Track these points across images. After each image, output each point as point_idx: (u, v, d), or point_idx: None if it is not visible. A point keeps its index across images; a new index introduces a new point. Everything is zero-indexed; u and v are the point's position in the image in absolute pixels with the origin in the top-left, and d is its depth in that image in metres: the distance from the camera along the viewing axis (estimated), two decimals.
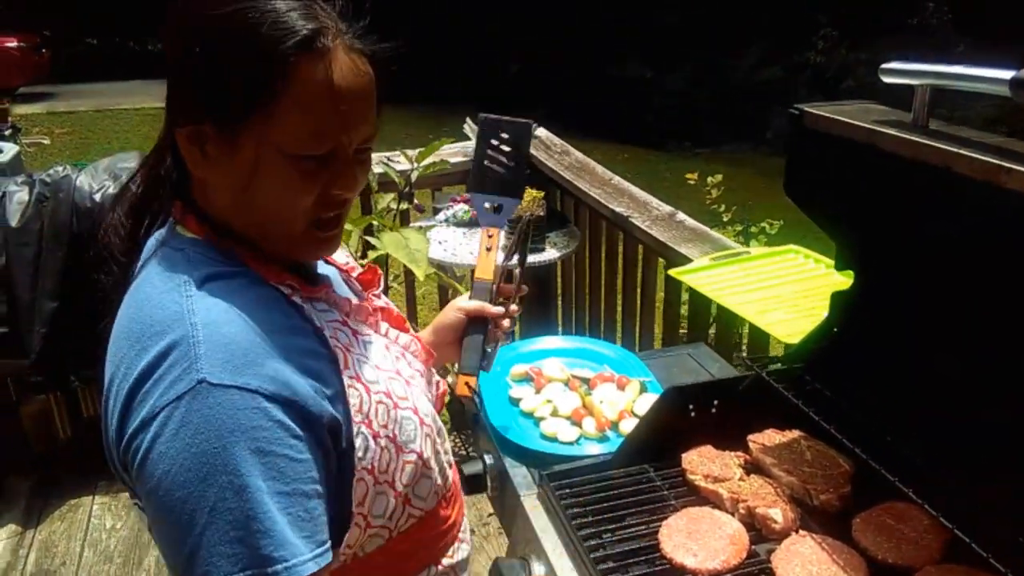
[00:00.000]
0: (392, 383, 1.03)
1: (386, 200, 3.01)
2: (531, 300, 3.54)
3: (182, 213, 0.98)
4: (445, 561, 1.17)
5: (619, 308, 3.08)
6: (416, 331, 1.29)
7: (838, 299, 1.54)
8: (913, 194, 1.17)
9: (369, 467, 0.97)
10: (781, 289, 2.10)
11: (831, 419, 1.33)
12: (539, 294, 3.50)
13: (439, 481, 1.11)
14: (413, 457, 1.04)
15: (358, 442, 0.94)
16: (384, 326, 1.13)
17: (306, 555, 0.83)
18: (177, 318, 0.86)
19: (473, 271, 1.49)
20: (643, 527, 1.36)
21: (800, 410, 1.41)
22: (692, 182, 6.05)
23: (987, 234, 1.08)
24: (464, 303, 1.42)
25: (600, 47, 13.39)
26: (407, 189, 2.85)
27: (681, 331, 2.68)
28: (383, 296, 1.23)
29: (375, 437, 0.97)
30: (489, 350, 1.39)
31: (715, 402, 1.55)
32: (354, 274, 1.21)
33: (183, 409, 0.81)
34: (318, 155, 0.90)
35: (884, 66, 1.20)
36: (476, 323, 1.38)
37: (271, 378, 0.85)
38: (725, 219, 5.29)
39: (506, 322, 1.42)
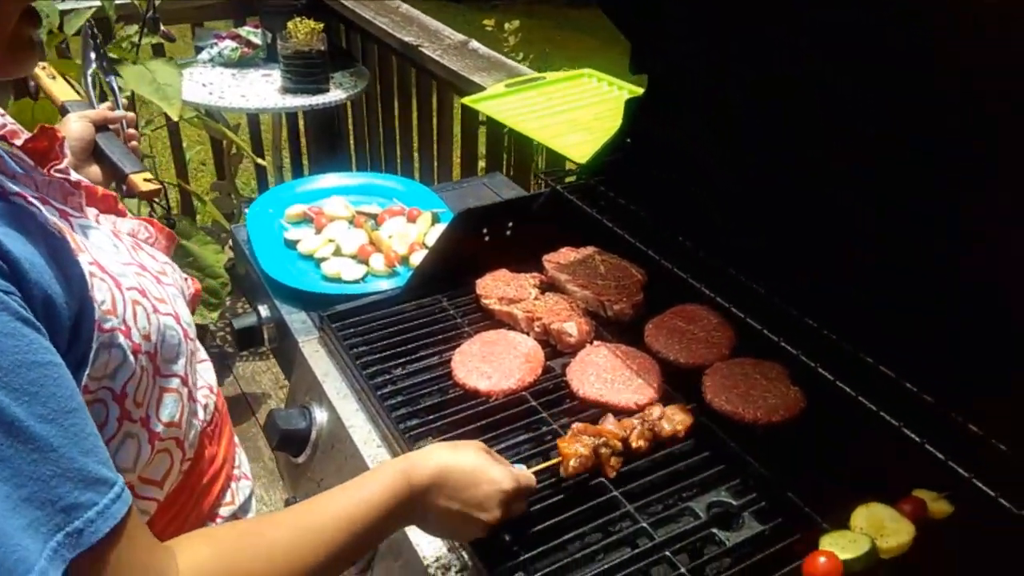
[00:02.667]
0: (142, 280, 0.75)
1: (127, 32, 2.51)
2: (318, 145, 3.22)
3: None
4: (223, 511, 0.89)
5: (415, 146, 2.88)
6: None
7: (632, 106, 1.45)
8: None
9: (118, 393, 0.68)
10: (577, 113, 2.00)
11: (624, 226, 1.27)
12: (326, 138, 3.19)
13: (201, 414, 0.85)
14: (176, 383, 0.77)
15: (108, 357, 0.66)
16: (92, 212, 0.82)
17: (116, 487, 0.59)
18: None
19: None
20: (436, 358, 1.25)
21: (596, 225, 1.33)
22: (489, 29, 5.80)
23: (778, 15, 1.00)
24: (82, 112, 1.20)
25: None
26: (150, 14, 2.37)
27: (481, 165, 2.55)
28: (72, 172, 0.85)
29: (135, 353, 0.69)
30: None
31: (510, 224, 1.44)
32: (17, 141, 0.84)
33: None
34: None
35: None
36: (103, 129, 1.21)
37: None
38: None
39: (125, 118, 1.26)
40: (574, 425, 1.02)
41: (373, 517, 0.76)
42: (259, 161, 2.82)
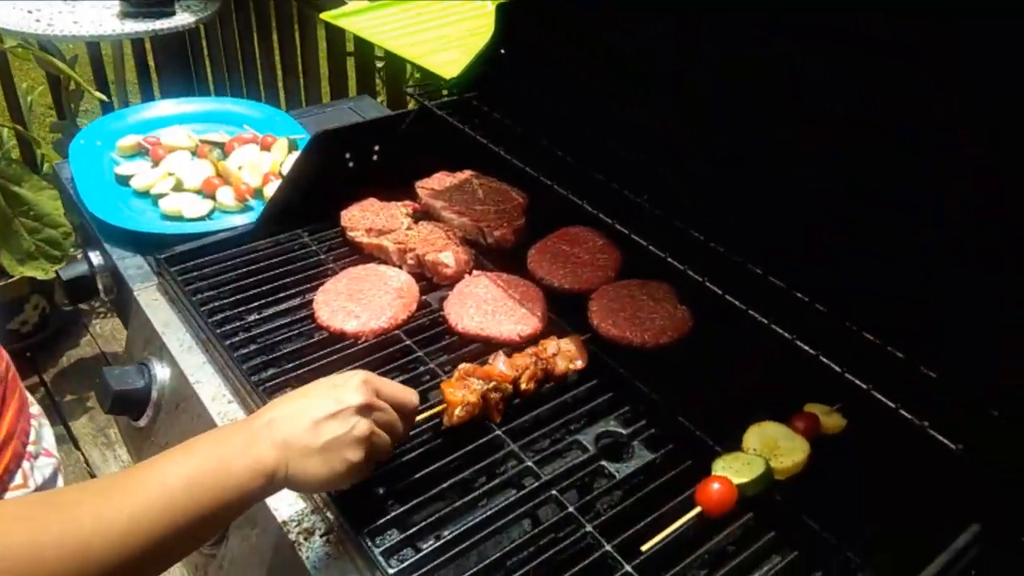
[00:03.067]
0: None
1: None
2: (170, 76, 2.91)
3: None
4: (11, 496, 0.75)
5: (279, 73, 2.63)
6: None
7: (504, 12, 1.32)
8: None
9: None
10: (449, 29, 1.84)
11: (501, 143, 1.15)
12: (179, 68, 2.87)
13: None
14: None
15: None
16: None
17: None
18: None
19: None
20: (297, 299, 1.11)
21: (471, 146, 1.21)
22: None
23: None
24: None
25: None
26: None
27: (353, 93, 2.36)
28: None
29: None
30: None
31: (376, 147, 1.30)
32: None
33: None
34: None
35: None
36: None
37: None
38: None
39: None
40: (461, 366, 0.92)
41: (205, 477, 0.64)
42: (99, 96, 2.50)
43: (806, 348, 0.76)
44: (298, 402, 0.73)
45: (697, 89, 1.02)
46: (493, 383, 0.90)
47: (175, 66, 2.90)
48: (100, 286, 1.28)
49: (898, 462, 0.73)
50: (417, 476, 0.85)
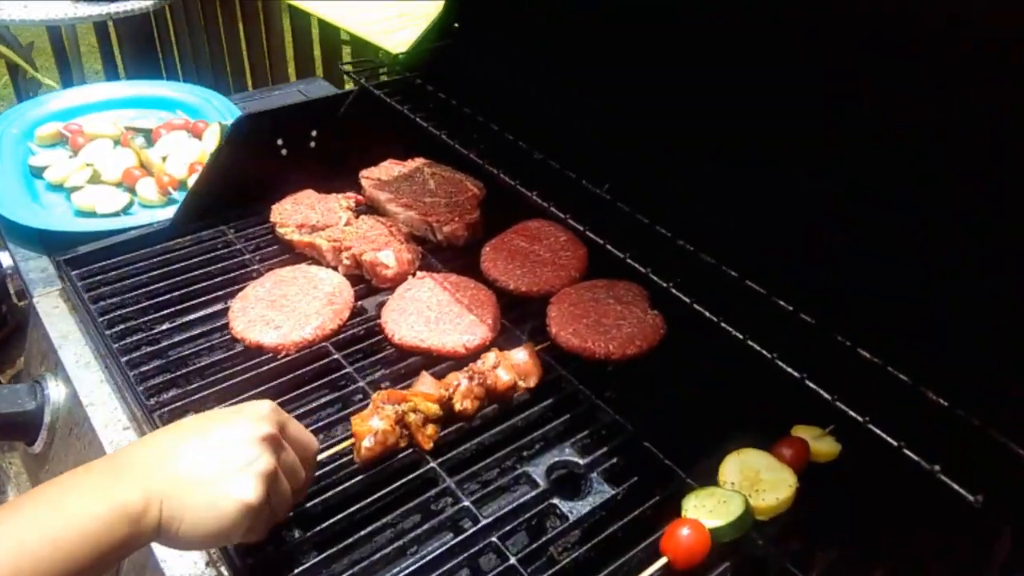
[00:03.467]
0: None
1: None
2: (136, 62, 2.75)
3: None
4: None
5: (244, 55, 2.48)
6: None
7: None
8: None
9: None
10: (412, 5, 1.71)
11: (446, 125, 1.01)
12: (145, 53, 2.72)
13: None
14: None
15: None
16: None
17: None
18: None
19: None
20: (219, 305, 0.98)
21: (420, 131, 1.07)
22: None
23: None
24: None
25: None
26: None
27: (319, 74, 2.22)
28: None
29: None
30: None
31: (313, 132, 1.16)
32: None
33: None
34: None
35: None
36: None
37: None
38: None
39: None
40: (375, 395, 0.78)
41: (47, 529, 0.52)
42: (49, 83, 2.35)
43: (788, 369, 0.63)
44: (181, 431, 0.61)
45: (694, 88, 0.88)
46: (411, 404, 0.76)
47: (140, 51, 2.75)
48: (11, 290, 1.15)
49: (903, 498, 0.60)
50: (337, 518, 0.72)
